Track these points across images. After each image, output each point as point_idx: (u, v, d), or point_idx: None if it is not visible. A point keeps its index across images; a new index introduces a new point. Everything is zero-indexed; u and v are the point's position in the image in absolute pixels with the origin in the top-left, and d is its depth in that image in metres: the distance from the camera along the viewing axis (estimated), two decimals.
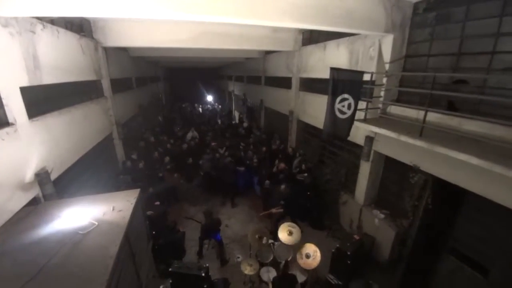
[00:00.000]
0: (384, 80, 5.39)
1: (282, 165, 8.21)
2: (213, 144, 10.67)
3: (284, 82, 10.80)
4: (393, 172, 5.93)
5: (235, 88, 21.18)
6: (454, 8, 4.45)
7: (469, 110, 4.24)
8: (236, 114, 20.90)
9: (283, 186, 6.83)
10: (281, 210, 6.46)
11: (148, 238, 4.54)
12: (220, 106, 24.47)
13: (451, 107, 4.44)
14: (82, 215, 3.33)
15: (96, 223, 3.17)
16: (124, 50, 10.46)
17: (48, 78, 4.69)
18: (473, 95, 4.08)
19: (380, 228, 5.82)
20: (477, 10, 4.13)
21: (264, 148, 10.03)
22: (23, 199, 3.68)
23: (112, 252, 2.70)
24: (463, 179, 4.05)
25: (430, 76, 4.05)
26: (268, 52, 12.29)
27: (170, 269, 4.49)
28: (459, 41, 4.41)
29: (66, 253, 2.70)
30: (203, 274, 4.39)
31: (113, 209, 3.49)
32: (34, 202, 3.87)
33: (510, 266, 3.83)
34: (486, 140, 3.42)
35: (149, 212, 5.46)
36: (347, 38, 6.56)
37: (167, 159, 8.88)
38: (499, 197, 3.60)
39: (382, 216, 5.91)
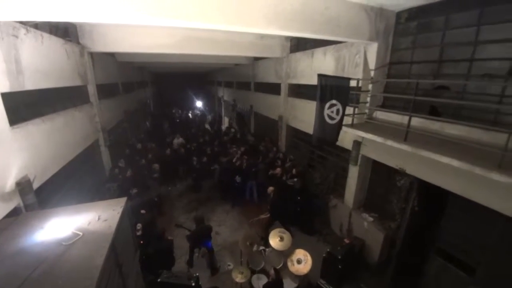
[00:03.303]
0: (370, 86, 5.55)
1: (278, 170, 8.26)
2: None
3: (273, 88, 10.91)
4: (380, 176, 6.06)
5: (224, 93, 21.19)
6: (434, 17, 4.67)
7: (450, 114, 4.43)
8: (226, 119, 20.87)
9: (270, 188, 6.82)
10: (268, 215, 6.44)
11: (136, 248, 4.42)
12: (211, 114, 24.37)
13: (434, 112, 4.61)
14: (65, 226, 3.20)
15: (81, 233, 3.05)
16: (110, 55, 10.30)
17: (31, 83, 4.55)
18: (454, 101, 4.25)
19: (369, 231, 5.90)
20: (456, 19, 4.35)
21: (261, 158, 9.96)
22: (3, 209, 3.51)
23: (97, 263, 2.60)
24: (446, 181, 4.20)
25: (413, 83, 4.21)
26: (257, 59, 12.41)
27: (158, 280, 4.37)
28: (439, 48, 4.62)
29: (50, 265, 2.58)
30: (193, 284, 4.30)
31: (98, 219, 3.38)
32: (14, 212, 3.69)
33: (493, 264, 3.97)
34: (466, 143, 3.57)
35: (138, 226, 5.34)
36: (334, 45, 6.73)
37: (156, 166, 8.72)
38: (479, 197, 3.75)
39: (371, 219, 6.01)
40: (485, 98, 4.04)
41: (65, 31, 6.48)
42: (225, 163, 9.22)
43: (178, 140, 12.03)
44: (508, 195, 3.34)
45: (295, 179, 7.62)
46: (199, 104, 29.21)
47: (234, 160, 9.08)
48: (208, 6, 3.79)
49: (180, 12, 3.67)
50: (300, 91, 9.03)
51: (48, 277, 2.45)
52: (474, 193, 3.82)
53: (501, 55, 3.82)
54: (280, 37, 8.81)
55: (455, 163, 3.38)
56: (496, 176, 2.98)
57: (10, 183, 3.70)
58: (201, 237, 5.71)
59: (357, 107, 5.42)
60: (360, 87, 5.46)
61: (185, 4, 3.65)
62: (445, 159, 3.50)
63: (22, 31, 4.36)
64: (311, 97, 7.77)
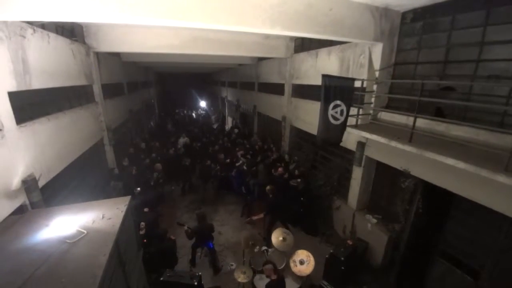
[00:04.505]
0: (375, 87, 5.51)
1: (280, 169, 8.26)
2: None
3: (277, 88, 10.90)
4: (384, 177, 6.01)
5: (228, 93, 21.24)
6: (440, 18, 4.61)
7: (456, 116, 4.38)
8: (229, 119, 20.92)
9: (268, 188, 6.76)
10: (262, 215, 6.36)
11: (139, 247, 4.44)
12: (215, 114, 24.46)
13: (439, 113, 4.56)
14: (70, 224, 3.24)
15: (85, 231, 3.08)
16: (116, 55, 10.40)
17: (38, 83, 4.61)
18: (459, 102, 4.20)
19: (373, 233, 5.86)
20: (462, 19, 4.29)
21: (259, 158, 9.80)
22: (9, 207, 3.56)
23: (101, 262, 2.63)
24: (451, 183, 4.15)
25: (418, 83, 4.17)
26: (261, 59, 12.42)
27: (161, 279, 4.39)
28: (445, 49, 4.56)
29: (54, 263, 2.61)
30: (195, 283, 4.32)
31: (102, 217, 3.41)
32: (20, 210, 3.74)
33: (498, 268, 3.91)
34: (472, 145, 3.52)
35: (142, 225, 5.37)
36: (338, 46, 6.69)
37: (158, 166, 8.75)
38: (486, 200, 3.69)
39: (375, 220, 5.96)
40: (492, 99, 3.99)
41: (71, 31, 6.56)
42: (224, 160, 9.28)
43: (184, 139, 12.10)
44: None
45: (299, 180, 7.61)
46: (203, 104, 29.33)
47: (237, 163, 9.08)
48: (212, 6, 3.81)
49: (185, 13, 3.69)
50: (304, 91, 9.00)
51: (52, 274, 2.47)
52: (480, 196, 3.76)
53: (508, 56, 3.76)
54: (284, 37, 8.79)
55: (461, 165, 3.33)
56: (502, 179, 2.94)
57: (16, 181, 3.75)
58: (202, 235, 5.69)
59: (362, 107, 5.38)
60: (365, 88, 5.43)
61: (190, 5, 3.67)
62: (450, 161, 3.46)
63: (29, 31, 4.42)
64: (315, 98, 7.75)
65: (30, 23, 4.46)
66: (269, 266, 4.18)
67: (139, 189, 6.93)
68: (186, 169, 9.63)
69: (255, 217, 6.42)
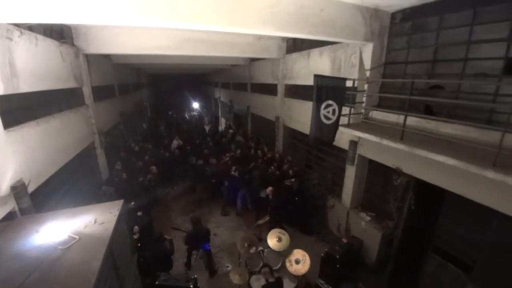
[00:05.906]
0: (366, 86, 5.58)
1: (272, 168, 8.26)
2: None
3: (270, 89, 10.93)
4: (377, 175, 6.09)
5: (221, 94, 21.18)
6: (428, 18, 4.71)
7: (445, 114, 4.46)
8: (223, 120, 20.87)
9: (269, 189, 6.78)
10: (267, 218, 6.39)
11: (133, 251, 4.38)
12: (208, 116, 24.34)
13: (429, 111, 4.65)
14: (61, 229, 3.16)
15: (77, 237, 3.02)
16: (106, 57, 10.25)
17: (26, 86, 4.51)
18: (448, 100, 4.29)
19: (367, 230, 5.93)
20: (450, 19, 4.39)
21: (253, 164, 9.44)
22: None
23: (94, 267, 2.58)
24: (442, 179, 4.23)
25: (408, 82, 4.24)
26: (253, 60, 12.43)
27: (156, 282, 4.35)
28: (434, 48, 4.66)
29: (45, 269, 2.55)
30: (191, 286, 4.29)
31: (95, 222, 3.35)
32: (9, 217, 3.65)
33: (489, 262, 4.00)
34: (462, 142, 3.60)
35: (136, 229, 5.30)
36: (330, 46, 6.75)
37: (153, 168, 8.66)
38: (476, 195, 3.78)
39: (368, 218, 6.03)
40: (480, 97, 4.08)
41: (60, 33, 6.43)
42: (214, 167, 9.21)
43: (178, 142, 11.99)
44: (502, 193, 3.37)
45: (293, 180, 7.63)
46: (196, 105, 29.16)
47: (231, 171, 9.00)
48: (204, 7, 3.79)
49: (175, 13, 3.66)
50: (296, 91, 9.04)
51: (44, 282, 2.42)
52: (470, 191, 3.85)
53: (494, 54, 3.86)
54: (277, 38, 8.82)
55: (450, 161, 3.40)
56: (491, 174, 3.01)
57: (4, 187, 3.66)
58: (198, 238, 5.66)
59: (353, 107, 5.44)
60: (356, 87, 5.49)
61: (180, 5, 3.65)
62: (440, 158, 3.53)
63: (16, 33, 4.32)
64: (307, 98, 7.78)
65: (17, 25, 4.36)
66: (265, 270, 4.21)
67: (133, 203, 6.76)
68: (194, 168, 9.53)
69: (261, 222, 6.46)
